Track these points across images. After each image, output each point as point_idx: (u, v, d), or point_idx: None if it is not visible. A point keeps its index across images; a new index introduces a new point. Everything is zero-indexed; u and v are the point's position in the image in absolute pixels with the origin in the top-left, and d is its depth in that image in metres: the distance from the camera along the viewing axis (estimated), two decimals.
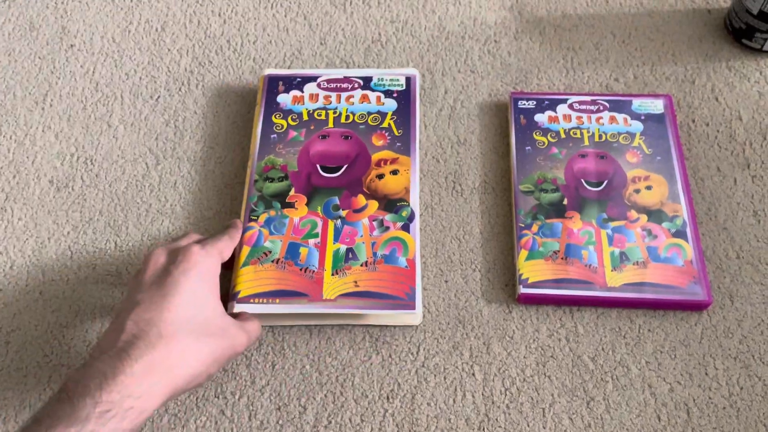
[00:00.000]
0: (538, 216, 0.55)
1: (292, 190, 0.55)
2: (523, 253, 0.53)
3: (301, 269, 0.51)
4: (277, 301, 0.50)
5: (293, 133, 0.58)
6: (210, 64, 0.66)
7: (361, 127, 0.58)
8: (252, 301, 0.50)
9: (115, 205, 0.58)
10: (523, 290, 0.51)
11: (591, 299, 0.51)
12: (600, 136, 0.58)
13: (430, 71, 0.65)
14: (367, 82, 0.60)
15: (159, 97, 0.64)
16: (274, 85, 0.60)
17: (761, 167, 0.58)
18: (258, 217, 0.53)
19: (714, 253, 0.54)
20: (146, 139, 0.61)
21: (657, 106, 0.60)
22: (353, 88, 0.60)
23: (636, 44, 0.66)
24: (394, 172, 0.55)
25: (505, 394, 0.49)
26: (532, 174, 0.57)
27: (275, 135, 0.58)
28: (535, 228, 0.54)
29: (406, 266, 0.51)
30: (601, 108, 0.59)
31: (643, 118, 0.59)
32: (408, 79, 0.60)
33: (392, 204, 0.54)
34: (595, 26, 0.67)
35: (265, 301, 0.50)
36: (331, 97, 0.60)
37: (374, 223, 0.53)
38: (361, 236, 0.52)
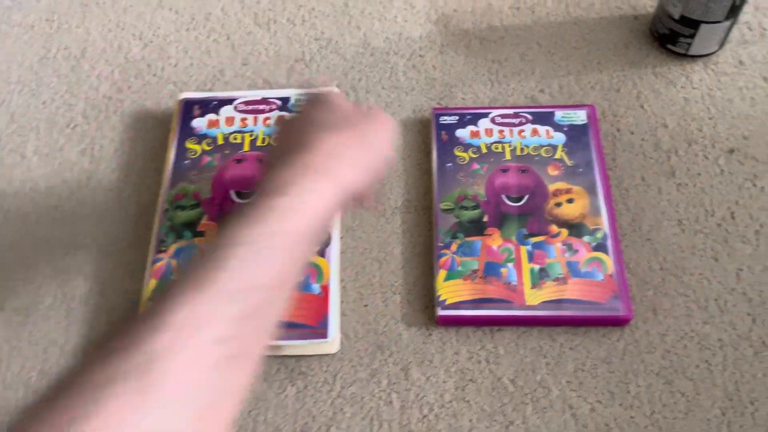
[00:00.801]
0: (458, 234, 0.53)
1: (204, 217, 0.53)
2: (442, 274, 0.51)
3: None
4: None
5: (207, 159, 0.56)
6: (129, 89, 0.65)
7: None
8: None
9: (25, 240, 0.56)
10: (441, 312, 0.50)
11: (509, 319, 0.50)
12: (522, 150, 0.57)
13: (354, 88, 0.63)
14: (285, 103, 0.59)
15: (76, 125, 0.62)
16: (190, 109, 0.59)
17: (686, 175, 0.57)
18: (167, 248, 0.52)
19: (638, 266, 0.53)
20: (61, 170, 0.60)
21: (580, 116, 0.58)
22: (271, 110, 0.59)
23: (562, 54, 0.65)
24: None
25: (423, 422, 0.48)
26: (453, 191, 0.55)
27: (188, 161, 0.56)
28: (454, 247, 0.52)
29: (320, 293, 0.50)
30: (524, 121, 0.58)
31: (566, 129, 0.58)
32: None
33: None
34: (521, 37, 0.66)
35: None
36: (247, 119, 0.58)
37: None
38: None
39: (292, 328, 0.48)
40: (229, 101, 0.59)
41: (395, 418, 0.48)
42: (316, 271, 0.50)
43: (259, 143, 0.57)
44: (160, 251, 0.52)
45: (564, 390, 0.48)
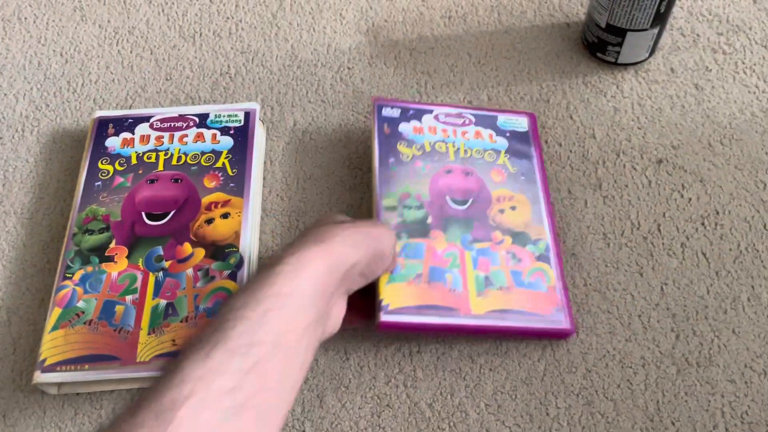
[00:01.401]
0: (401, 235, 0.50)
1: (113, 242, 0.51)
2: (385, 276, 0.49)
3: (115, 330, 0.47)
4: (86, 367, 0.46)
5: (119, 179, 0.54)
6: (47, 107, 0.62)
7: (193, 168, 0.55)
8: (58, 369, 0.46)
9: None
10: (384, 317, 0.47)
11: (454, 327, 0.48)
12: (465, 152, 0.55)
13: (279, 103, 0.62)
14: (203, 120, 0.57)
15: None
16: (104, 128, 0.57)
17: (613, 186, 0.56)
18: (73, 274, 0.50)
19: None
20: None
21: (521, 123, 0.57)
22: (188, 127, 0.57)
23: (492, 64, 0.63)
24: (225, 216, 0.52)
25: None
26: (396, 189, 0.52)
27: (99, 182, 0.54)
28: (397, 248, 0.49)
29: None
30: (467, 122, 0.56)
31: (508, 135, 0.56)
32: (247, 114, 0.57)
33: (220, 251, 0.51)
34: (451, 47, 0.65)
35: (73, 368, 0.46)
36: (163, 137, 0.56)
37: (199, 273, 0.50)
38: (184, 289, 0.49)
39: None
40: (145, 119, 0.57)
41: None
42: (227, 296, 0.49)
43: (174, 162, 0.55)
44: (66, 278, 0.49)
45: (482, 413, 0.47)
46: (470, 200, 0.53)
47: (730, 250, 0.52)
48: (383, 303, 0.47)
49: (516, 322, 0.48)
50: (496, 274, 0.49)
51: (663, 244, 0.53)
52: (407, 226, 0.51)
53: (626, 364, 0.48)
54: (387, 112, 0.56)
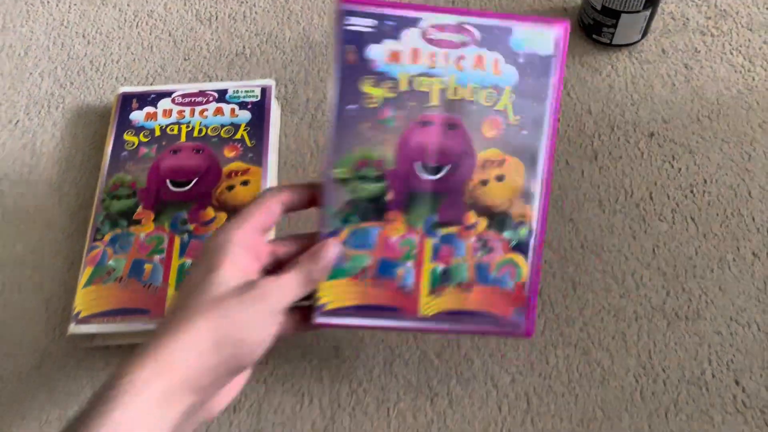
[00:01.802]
0: (351, 217, 0.41)
1: (140, 206, 0.54)
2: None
3: (144, 286, 0.51)
4: (118, 319, 0.49)
5: (144, 150, 0.58)
6: (71, 85, 0.66)
7: (213, 140, 0.58)
8: (92, 321, 0.49)
9: None
10: (319, 319, 0.41)
11: (398, 329, 0.43)
12: (456, 91, 0.41)
13: (293, 81, 0.65)
14: (222, 95, 0.61)
15: (18, 121, 0.64)
16: (128, 102, 0.60)
17: (608, 158, 0.59)
18: (103, 236, 0.53)
19: (560, 244, 0.55)
20: (2, 165, 0.61)
21: (546, 41, 0.41)
22: (207, 102, 0.60)
23: None
24: (245, 183, 0.56)
25: (351, 396, 0.49)
26: (352, 152, 0.41)
27: (126, 152, 0.57)
28: (344, 236, 0.41)
29: None
30: (468, 41, 0.41)
31: (522, 61, 0.41)
32: (263, 90, 0.61)
33: None
34: None
35: (105, 320, 0.49)
36: (184, 111, 0.60)
37: None
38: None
39: None
40: (167, 94, 0.61)
41: (325, 393, 0.49)
42: None
43: (195, 134, 0.58)
44: (96, 239, 0.53)
45: (487, 362, 0.50)
46: (447, 167, 0.41)
47: (717, 215, 0.56)
48: (320, 302, 0.41)
49: (467, 326, 0.42)
50: (458, 267, 0.42)
51: (654, 210, 0.56)
52: (359, 205, 0.41)
53: (620, 318, 0.52)
54: (355, 22, 0.40)
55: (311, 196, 0.42)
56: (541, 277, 0.47)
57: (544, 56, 0.41)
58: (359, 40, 0.40)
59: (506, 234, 0.42)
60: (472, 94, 0.41)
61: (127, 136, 0.58)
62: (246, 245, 0.39)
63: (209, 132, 0.58)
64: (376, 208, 0.41)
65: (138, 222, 0.54)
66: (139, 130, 0.59)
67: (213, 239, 0.39)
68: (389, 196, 0.41)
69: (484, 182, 0.41)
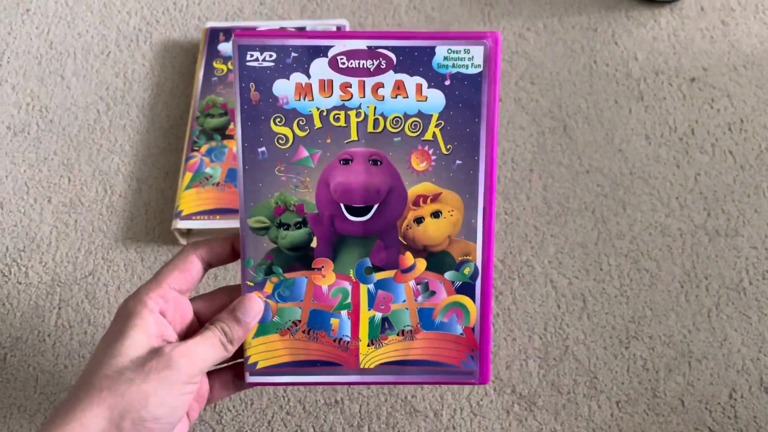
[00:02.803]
0: (274, 269, 0.38)
1: (232, 123, 0.60)
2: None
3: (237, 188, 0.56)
4: (217, 217, 0.55)
5: (232, 76, 0.63)
6: (157, 23, 0.71)
7: None
8: (194, 218, 0.55)
9: (68, 146, 0.63)
10: (250, 378, 0.39)
11: (338, 384, 0.42)
12: (376, 123, 0.37)
13: (361, 25, 0.71)
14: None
15: (110, 52, 0.69)
16: (215, 35, 0.66)
17: (653, 98, 0.65)
18: (200, 147, 0.59)
19: (610, 170, 0.61)
20: (97, 89, 0.66)
21: (474, 57, 0.36)
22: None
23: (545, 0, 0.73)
24: None
25: None
26: (267, 199, 0.37)
27: (216, 78, 0.63)
28: (268, 289, 0.38)
29: None
30: (383, 65, 0.36)
31: (448, 84, 0.37)
32: (338, 28, 0.66)
33: None
34: None
35: (205, 218, 0.55)
36: None
37: None
38: None
39: None
40: (251, 29, 0.66)
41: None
42: None
43: None
44: (193, 150, 0.58)
45: (546, 268, 0.56)
46: (375, 207, 0.38)
47: (752, 149, 0.62)
48: (250, 361, 0.39)
49: (414, 377, 0.39)
50: (399, 313, 0.38)
51: (696, 143, 0.62)
52: (281, 255, 0.38)
53: (666, 233, 0.57)
54: (256, 57, 0.36)
55: (232, 249, 0.38)
56: (491, 318, 0.41)
57: (472, 75, 0.36)
58: (262, 77, 0.36)
59: (448, 275, 0.38)
60: (395, 124, 0.37)
61: (216, 64, 0.64)
62: (162, 308, 0.35)
63: None
64: (301, 257, 0.38)
65: (231, 137, 0.59)
66: (226, 59, 0.64)
67: (124, 304, 0.35)
68: (314, 243, 0.38)
69: (419, 220, 0.38)
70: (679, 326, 0.53)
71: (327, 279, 0.38)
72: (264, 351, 0.38)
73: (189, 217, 0.55)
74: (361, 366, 0.39)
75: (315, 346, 0.38)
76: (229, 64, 0.64)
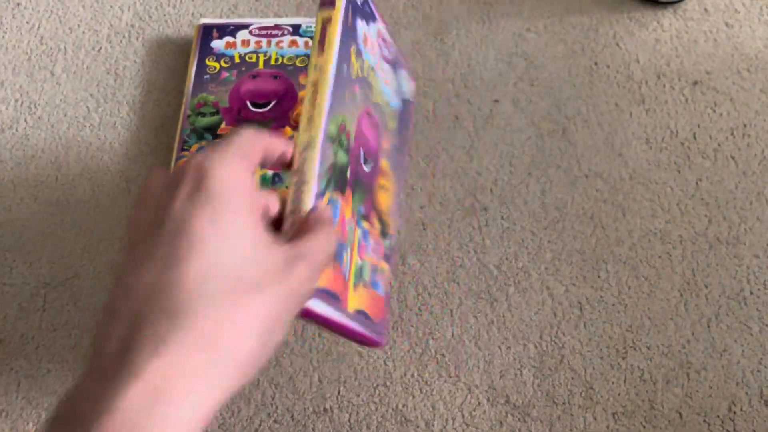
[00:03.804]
0: (330, 184, 0.36)
1: (223, 123, 0.59)
2: None
3: None
4: None
5: (225, 74, 0.62)
6: (150, 18, 0.70)
7: (289, 68, 0.62)
8: None
9: (56, 144, 0.61)
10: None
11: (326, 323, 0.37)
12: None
13: None
14: (296, 29, 0.65)
15: (101, 48, 0.68)
16: (209, 32, 0.65)
17: (655, 102, 0.64)
18: (190, 147, 0.57)
19: (610, 175, 0.59)
20: (87, 86, 0.65)
21: (407, 86, 0.48)
22: (283, 35, 0.64)
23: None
24: None
25: (417, 299, 0.54)
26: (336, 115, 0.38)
27: (208, 76, 0.62)
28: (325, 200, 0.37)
29: None
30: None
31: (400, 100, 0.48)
32: None
33: None
34: None
35: None
36: (261, 42, 0.64)
37: None
38: None
39: None
40: (245, 26, 0.65)
41: (393, 296, 0.54)
42: None
43: (272, 62, 0.63)
44: (184, 149, 0.57)
45: (542, 274, 0.55)
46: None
47: (756, 155, 0.60)
48: None
49: (357, 326, 0.38)
50: (365, 265, 0.40)
51: (698, 148, 0.61)
52: (336, 172, 0.36)
53: (666, 240, 0.56)
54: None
55: (286, 156, 0.33)
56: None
57: (408, 99, 0.44)
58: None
59: (385, 242, 0.42)
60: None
61: (209, 62, 0.63)
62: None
63: (285, 61, 0.63)
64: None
65: (221, 136, 0.58)
66: (219, 56, 0.63)
67: (216, 177, 0.27)
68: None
69: (383, 187, 0.41)
70: (677, 336, 0.52)
71: (348, 211, 0.38)
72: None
73: None
74: (348, 308, 0.37)
75: (331, 275, 0.37)
76: (222, 62, 0.63)
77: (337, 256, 0.35)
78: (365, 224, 0.39)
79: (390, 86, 0.43)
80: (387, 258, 0.42)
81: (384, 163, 0.42)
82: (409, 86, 0.45)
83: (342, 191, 0.36)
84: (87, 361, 0.25)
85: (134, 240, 0.27)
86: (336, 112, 0.36)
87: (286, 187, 0.35)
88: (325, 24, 0.35)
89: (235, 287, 0.25)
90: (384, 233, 0.42)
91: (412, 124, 0.46)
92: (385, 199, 0.42)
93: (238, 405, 0.49)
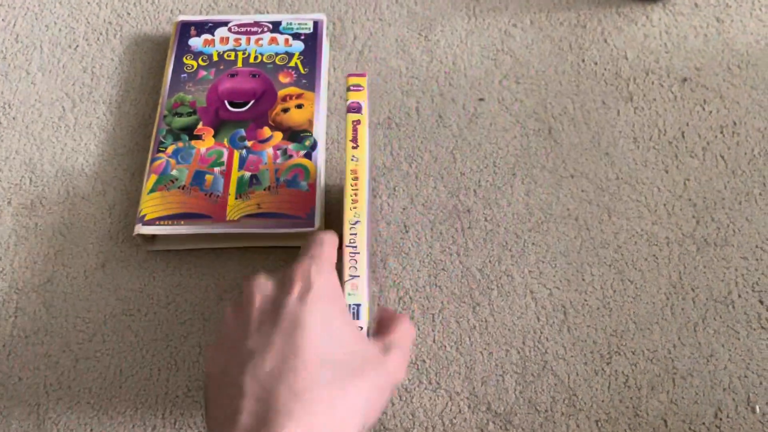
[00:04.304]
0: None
1: (200, 123, 0.57)
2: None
3: (206, 194, 0.54)
4: (182, 222, 0.52)
5: (203, 73, 0.60)
6: (128, 15, 0.68)
7: (268, 66, 0.61)
8: (157, 223, 0.52)
9: (31, 145, 0.60)
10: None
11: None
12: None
13: (341, 19, 0.68)
14: (276, 26, 0.63)
15: (77, 46, 0.66)
16: (187, 29, 0.63)
17: (643, 100, 0.62)
18: (166, 148, 0.56)
19: (596, 175, 0.58)
20: (63, 85, 0.64)
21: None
22: (263, 32, 0.63)
23: None
24: (299, 106, 0.59)
25: (398, 303, 0.52)
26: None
27: (185, 74, 0.60)
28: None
29: (307, 189, 0.54)
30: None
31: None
32: (315, 23, 0.64)
33: (296, 135, 0.57)
34: None
35: (170, 223, 0.52)
36: (240, 39, 0.62)
37: (278, 152, 0.56)
38: (265, 164, 0.55)
39: (282, 218, 0.52)
40: (223, 23, 0.63)
41: (373, 301, 0.53)
42: (303, 171, 0.55)
43: (251, 60, 0.61)
44: (159, 151, 0.56)
45: (526, 278, 0.53)
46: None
47: (745, 154, 0.59)
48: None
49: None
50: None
51: (686, 147, 0.59)
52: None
53: (652, 242, 0.55)
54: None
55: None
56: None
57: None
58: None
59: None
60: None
61: (187, 60, 0.61)
62: None
63: (264, 59, 0.61)
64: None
65: (199, 137, 0.57)
66: (197, 54, 0.62)
67: (330, 282, 0.35)
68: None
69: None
70: (663, 341, 0.51)
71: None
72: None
73: (152, 222, 0.52)
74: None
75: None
76: (200, 60, 0.61)
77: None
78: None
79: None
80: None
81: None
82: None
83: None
84: (215, 427, 0.30)
85: (241, 334, 0.32)
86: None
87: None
88: (356, 125, 0.45)
89: (343, 373, 0.31)
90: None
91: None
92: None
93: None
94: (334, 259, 0.38)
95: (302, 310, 0.32)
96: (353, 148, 0.43)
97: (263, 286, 0.35)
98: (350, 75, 0.47)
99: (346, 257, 0.38)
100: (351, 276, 0.37)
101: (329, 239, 0.39)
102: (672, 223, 0.56)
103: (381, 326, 0.36)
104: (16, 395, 0.49)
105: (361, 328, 0.36)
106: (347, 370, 0.31)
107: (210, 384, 0.32)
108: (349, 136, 0.44)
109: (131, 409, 0.49)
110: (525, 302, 0.52)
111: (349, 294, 0.37)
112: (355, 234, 0.39)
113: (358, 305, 0.37)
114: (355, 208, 0.40)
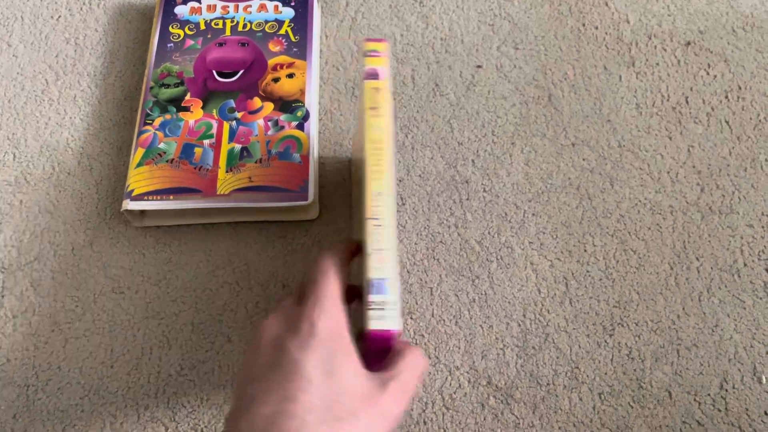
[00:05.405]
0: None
1: (188, 94, 0.55)
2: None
3: (195, 168, 0.52)
4: (171, 197, 0.51)
5: (190, 42, 0.58)
6: None
7: (258, 34, 0.59)
8: (146, 198, 0.51)
9: (13, 120, 0.58)
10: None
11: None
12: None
13: None
14: None
15: (60, 16, 0.64)
16: None
17: (645, 65, 0.60)
18: (153, 121, 0.54)
19: (597, 143, 0.56)
20: (46, 57, 0.61)
21: None
22: None
23: None
24: (290, 76, 0.56)
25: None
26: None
27: (172, 44, 0.58)
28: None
29: (300, 162, 0.52)
30: None
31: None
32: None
33: (288, 105, 0.55)
34: None
35: (158, 198, 0.51)
36: (228, 7, 0.60)
37: (269, 123, 0.54)
38: (256, 135, 0.53)
39: (274, 192, 0.51)
40: None
41: None
42: (296, 143, 0.53)
43: (240, 29, 0.59)
44: (146, 123, 0.54)
45: (526, 249, 0.52)
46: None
47: (751, 119, 0.57)
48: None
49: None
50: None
51: (690, 113, 0.58)
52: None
53: (656, 211, 0.53)
54: None
55: (357, 248, 0.40)
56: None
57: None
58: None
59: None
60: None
61: (173, 29, 0.59)
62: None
63: (254, 27, 0.59)
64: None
65: (187, 108, 0.55)
66: (184, 23, 0.59)
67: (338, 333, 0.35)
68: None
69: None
70: (667, 311, 0.49)
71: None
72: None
73: (141, 197, 0.51)
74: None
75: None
76: (186, 29, 0.59)
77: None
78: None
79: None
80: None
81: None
82: None
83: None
84: None
85: (251, 375, 0.34)
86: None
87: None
88: (375, 93, 0.41)
89: (333, 416, 0.31)
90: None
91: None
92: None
93: (207, 393, 0.47)
94: (341, 286, 0.37)
95: (303, 356, 0.33)
96: (373, 117, 0.41)
97: (271, 326, 0.36)
98: (367, 39, 0.44)
99: (369, 229, 0.36)
100: (374, 249, 0.36)
101: (334, 264, 0.37)
102: (676, 191, 0.54)
103: (390, 358, 0.36)
104: (5, 376, 0.48)
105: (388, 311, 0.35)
106: (340, 413, 0.32)
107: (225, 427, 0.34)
108: (368, 104, 0.41)
109: (123, 388, 0.47)
110: (525, 274, 0.51)
111: (374, 268, 0.35)
112: (378, 206, 0.37)
113: (383, 279, 0.35)
114: (378, 179, 0.38)
